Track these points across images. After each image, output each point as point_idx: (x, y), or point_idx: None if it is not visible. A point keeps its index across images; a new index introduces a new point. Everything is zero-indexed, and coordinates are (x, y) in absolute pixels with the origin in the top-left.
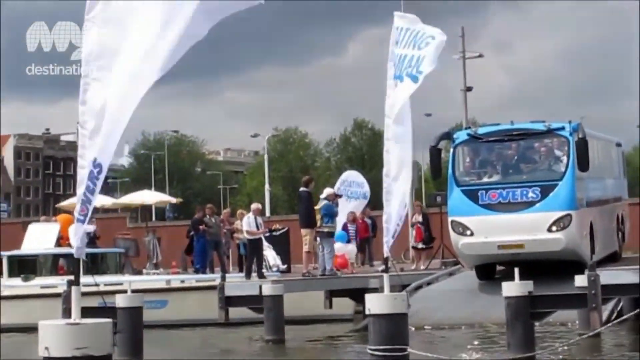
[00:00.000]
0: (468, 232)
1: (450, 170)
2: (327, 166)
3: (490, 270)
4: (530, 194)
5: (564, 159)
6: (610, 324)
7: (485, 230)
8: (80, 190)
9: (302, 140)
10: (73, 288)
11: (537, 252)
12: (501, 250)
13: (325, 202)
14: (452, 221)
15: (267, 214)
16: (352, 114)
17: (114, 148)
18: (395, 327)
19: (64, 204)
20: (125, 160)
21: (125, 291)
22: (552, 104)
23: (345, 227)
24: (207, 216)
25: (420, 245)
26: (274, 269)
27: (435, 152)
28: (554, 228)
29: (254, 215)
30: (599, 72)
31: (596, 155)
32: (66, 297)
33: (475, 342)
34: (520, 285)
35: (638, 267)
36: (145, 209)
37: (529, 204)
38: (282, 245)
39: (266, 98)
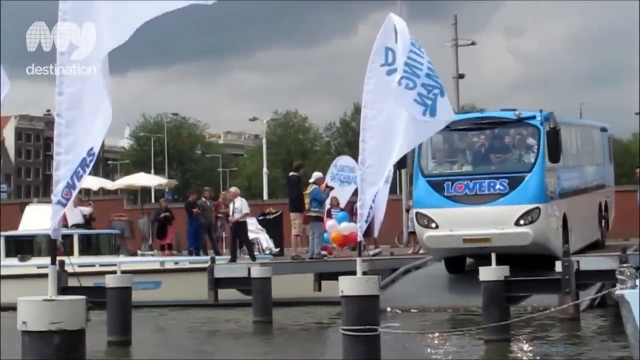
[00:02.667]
0: (433, 225)
1: (415, 160)
2: (326, 150)
3: (460, 263)
4: (498, 186)
5: (534, 149)
6: (570, 303)
7: (451, 223)
8: (58, 174)
9: (302, 124)
10: (50, 267)
11: (504, 246)
12: (467, 244)
13: (314, 186)
14: (417, 213)
15: (265, 197)
16: (356, 97)
17: (102, 136)
18: (366, 308)
19: None
20: (125, 142)
21: (115, 272)
22: (558, 89)
23: (329, 212)
24: (203, 199)
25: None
26: (267, 251)
27: None
28: (521, 222)
29: (232, 200)
30: (606, 57)
31: (574, 143)
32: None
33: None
34: (497, 270)
35: (618, 254)
36: (145, 191)
37: (496, 196)
38: (275, 228)
39: (273, 80)
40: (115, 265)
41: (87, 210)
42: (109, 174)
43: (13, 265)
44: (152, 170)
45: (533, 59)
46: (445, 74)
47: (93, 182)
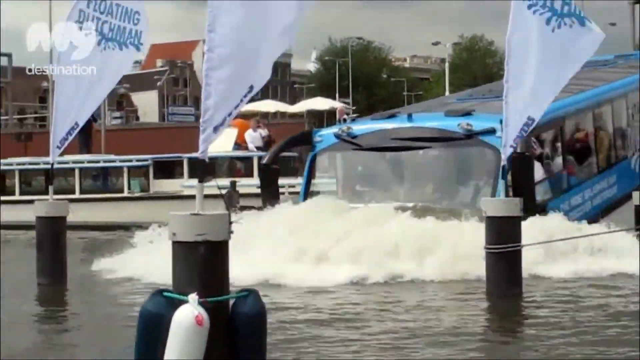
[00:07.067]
0: None
1: (301, 199)
2: None
3: None
4: None
5: (489, 188)
6: None
7: None
8: (207, 103)
9: (487, 48)
10: (197, 185)
11: None
12: None
13: None
14: None
15: None
16: None
17: (268, 71)
18: (507, 228)
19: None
20: (312, 66)
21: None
22: None
23: None
24: None
25: None
26: None
27: (266, 176)
28: None
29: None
30: None
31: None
32: (228, 198)
33: None
34: None
35: None
36: (330, 115)
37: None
38: None
39: (468, 3)
40: (292, 186)
41: (265, 132)
42: (296, 97)
43: (196, 185)
44: (337, 94)
45: None
46: None
47: (271, 106)
